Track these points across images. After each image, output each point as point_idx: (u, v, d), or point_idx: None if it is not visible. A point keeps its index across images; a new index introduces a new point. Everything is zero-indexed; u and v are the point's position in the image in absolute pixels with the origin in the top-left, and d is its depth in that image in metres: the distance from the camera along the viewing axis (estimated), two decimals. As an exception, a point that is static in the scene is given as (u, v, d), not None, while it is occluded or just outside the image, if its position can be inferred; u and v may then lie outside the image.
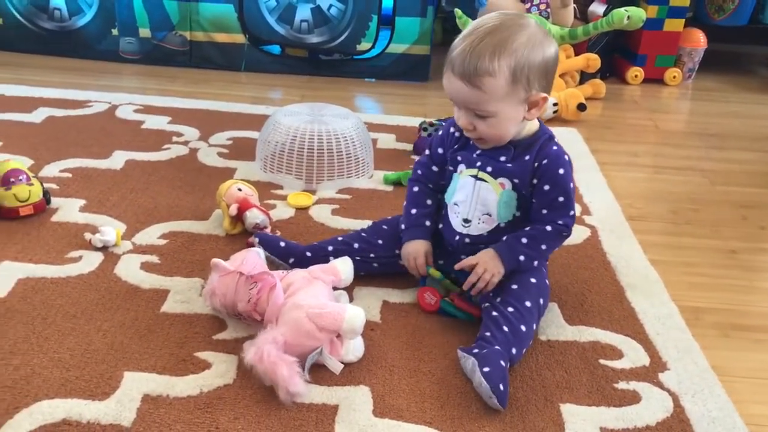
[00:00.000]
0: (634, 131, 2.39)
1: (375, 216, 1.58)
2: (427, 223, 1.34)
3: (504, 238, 1.25)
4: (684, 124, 2.61)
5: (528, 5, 2.53)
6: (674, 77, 2.90)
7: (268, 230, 1.49)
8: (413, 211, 1.35)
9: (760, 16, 3.02)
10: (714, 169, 2.09)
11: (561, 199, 1.23)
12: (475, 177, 1.27)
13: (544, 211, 1.24)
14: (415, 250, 1.31)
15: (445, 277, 1.29)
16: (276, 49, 2.76)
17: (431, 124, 2.02)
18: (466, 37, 1.16)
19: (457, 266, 1.26)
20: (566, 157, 1.25)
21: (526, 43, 1.14)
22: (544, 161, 1.22)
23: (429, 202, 1.36)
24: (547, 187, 1.23)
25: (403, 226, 1.35)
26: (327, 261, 1.32)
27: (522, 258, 1.23)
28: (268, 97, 2.50)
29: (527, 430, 1.03)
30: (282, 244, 1.39)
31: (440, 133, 1.37)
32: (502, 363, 1.09)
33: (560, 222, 1.24)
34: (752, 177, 2.05)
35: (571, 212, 1.25)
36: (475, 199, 1.27)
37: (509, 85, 1.15)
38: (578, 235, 1.59)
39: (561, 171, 1.23)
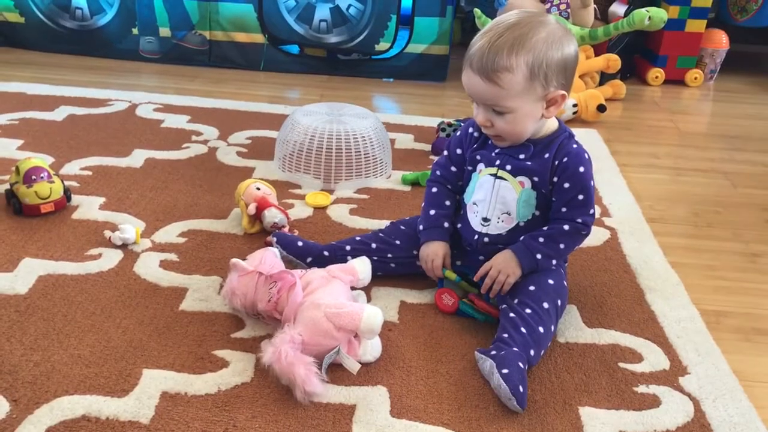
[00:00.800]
0: (655, 132, 2.37)
1: (393, 216, 1.58)
2: (446, 224, 1.34)
3: (521, 238, 1.25)
4: (705, 125, 2.58)
5: (548, 5, 2.52)
6: (695, 78, 2.87)
7: (286, 229, 1.49)
8: (432, 212, 1.35)
9: (784, 16, 2.98)
10: (736, 171, 2.06)
11: (581, 197, 1.23)
12: (495, 176, 1.26)
13: (564, 210, 1.24)
14: (434, 252, 1.31)
15: (461, 279, 1.29)
16: (295, 48, 2.77)
17: (449, 125, 2.02)
18: (485, 33, 1.16)
19: (476, 277, 1.26)
20: (586, 156, 1.24)
21: (545, 40, 1.14)
22: (564, 159, 1.22)
23: (448, 203, 1.35)
24: (567, 185, 1.22)
25: (421, 227, 1.35)
26: (345, 261, 1.32)
27: (539, 257, 1.22)
28: (286, 96, 2.51)
29: (545, 432, 1.03)
30: (300, 243, 1.39)
31: (458, 133, 1.37)
32: (521, 365, 1.08)
33: (579, 220, 1.23)
34: (775, 179, 2.03)
35: (591, 211, 1.24)
36: (495, 198, 1.27)
37: (527, 81, 1.15)
38: (598, 236, 1.58)
39: (581, 169, 1.22)
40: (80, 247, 1.43)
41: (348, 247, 1.37)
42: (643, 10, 2.36)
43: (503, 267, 1.23)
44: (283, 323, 1.13)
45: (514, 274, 1.22)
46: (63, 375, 1.08)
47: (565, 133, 1.26)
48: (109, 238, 1.43)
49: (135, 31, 2.72)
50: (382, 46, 2.68)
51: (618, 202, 1.76)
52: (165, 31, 2.71)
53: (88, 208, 1.58)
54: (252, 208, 1.49)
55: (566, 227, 1.23)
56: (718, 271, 1.52)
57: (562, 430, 1.03)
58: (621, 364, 1.18)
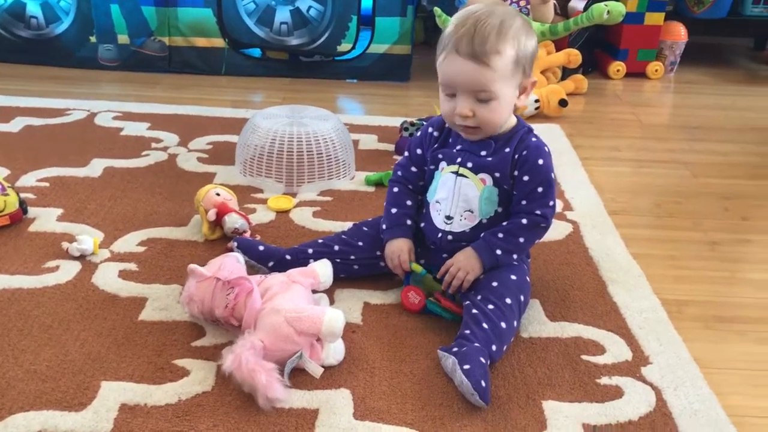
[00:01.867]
0: (617, 126, 2.39)
1: (357, 218, 1.57)
2: (408, 221, 1.34)
3: (482, 235, 1.25)
4: (667, 117, 2.61)
5: (508, 2, 2.53)
6: (656, 71, 2.91)
7: (247, 234, 1.48)
8: (393, 210, 1.35)
9: (740, 8, 3.03)
10: (696, 161, 2.09)
11: (540, 189, 1.23)
12: (456, 173, 1.26)
13: (524, 202, 1.24)
14: (398, 248, 1.31)
15: (427, 272, 1.28)
16: (256, 52, 2.75)
17: (412, 124, 2.02)
18: (463, 21, 1.17)
19: (439, 274, 1.26)
20: (546, 149, 1.25)
21: (521, 29, 1.18)
22: (524, 152, 1.23)
23: (409, 202, 1.35)
24: (526, 178, 1.23)
25: (384, 226, 1.35)
26: (307, 264, 1.31)
27: (499, 252, 1.23)
28: (249, 100, 2.49)
29: (509, 428, 1.02)
30: (261, 247, 1.37)
31: (419, 134, 1.37)
32: (482, 360, 1.08)
33: (538, 212, 1.24)
34: (734, 168, 2.05)
35: (551, 203, 1.25)
36: (457, 196, 1.27)
37: (513, 66, 1.18)
38: (560, 230, 1.59)
39: (540, 161, 1.23)
40: (37, 260, 1.40)
41: (310, 250, 1.36)
42: (602, 4, 2.38)
43: (463, 264, 1.23)
44: (244, 330, 1.12)
45: (473, 271, 1.22)
46: (18, 391, 1.05)
47: (525, 128, 1.27)
48: (67, 249, 1.41)
49: (93, 39, 2.68)
50: (344, 47, 2.68)
51: (580, 196, 1.77)
52: (123, 39, 2.67)
53: (46, 220, 1.55)
54: (212, 214, 1.47)
55: (524, 221, 1.24)
56: (680, 261, 1.53)
57: (525, 424, 1.03)
58: (584, 357, 1.18)
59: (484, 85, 1.17)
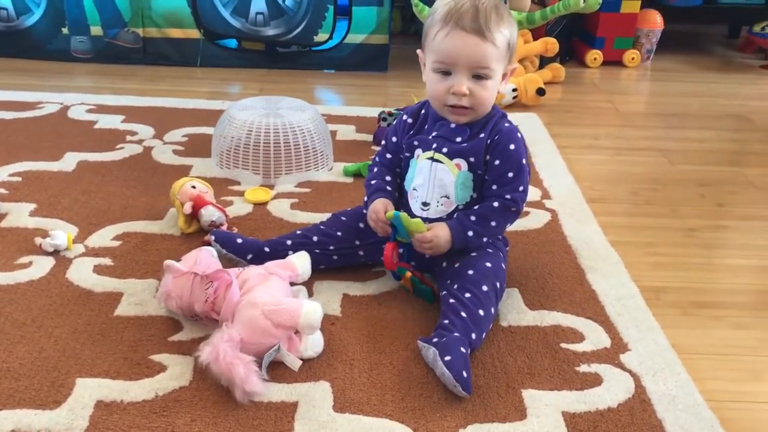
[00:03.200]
0: (594, 114, 2.40)
1: (335, 209, 1.55)
2: (388, 188, 1.33)
3: (455, 215, 1.25)
4: (644, 105, 2.63)
5: (484, -9, 2.52)
6: (633, 59, 2.92)
7: (224, 227, 1.47)
8: (373, 182, 1.35)
9: (715, -5, 3.06)
10: (673, 148, 2.10)
11: (510, 174, 1.24)
12: (432, 159, 1.27)
13: (494, 187, 1.25)
14: (374, 208, 1.29)
15: (400, 212, 1.24)
16: (232, 43, 2.72)
17: (390, 114, 2.01)
18: (460, 2, 1.19)
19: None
20: (518, 134, 1.26)
21: (510, 15, 1.23)
22: (496, 137, 1.24)
23: (389, 178, 1.35)
24: (497, 162, 1.24)
25: (365, 199, 1.34)
26: (286, 256, 1.29)
27: (470, 234, 1.23)
28: (225, 92, 2.47)
29: (489, 417, 1.02)
30: (239, 240, 1.36)
31: (393, 122, 1.36)
32: (463, 350, 1.08)
33: (507, 197, 1.24)
34: (710, 155, 2.07)
35: (521, 188, 1.25)
36: (433, 182, 1.27)
37: (506, 48, 1.21)
38: (538, 219, 1.59)
39: (512, 146, 1.24)
40: (9, 256, 1.37)
41: (289, 242, 1.35)
42: (578, -8, 2.39)
43: (439, 233, 1.22)
44: (221, 323, 1.11)
45: (443, 245, 1.23)
46: (-10, 390, 1.03)
47: (498, 113, 1.28)
48: (40, 245, 1.38)
49: (65, 30, 2.64)
50: (321, 37, 2.66)
51: (558, 184, 1.77)
52: (96, 30, 2.63)
53: (18, 215, 1.52)
54: (188, 207, 1.45)
55: (495, 204, 1.24)
56: (657, 248, 1.54)
57: (505, 413, 1.03)
58: (563, 345, 1.18)
59: (485, 61, 1.19)
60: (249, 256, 1.34)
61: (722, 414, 1.05)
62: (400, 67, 2.72)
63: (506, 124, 1.26)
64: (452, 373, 1.04)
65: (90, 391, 1.04)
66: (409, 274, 1.25)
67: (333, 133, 1.96)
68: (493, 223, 1.25)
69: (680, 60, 3.05)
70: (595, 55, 2.89)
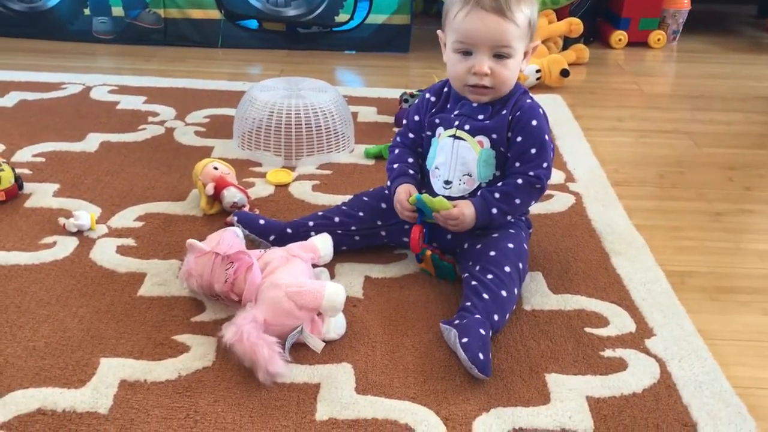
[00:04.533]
0: (619, 96, 2.36)
1: (356, 191, 1.54)
2: (411, 171, 1.33)
3: (479, 192, 1.24)
4: (669, 86, 2.58)
5: (508, -30, 2.49)
6: (658, 40, 2.87)
7: (246, 209, 1.46)
8: (395, 165, 1.34)
9: (744, -26, 2.99)
10: (700, 131, 2.07)
11: (533, 150, 1.23)
12: (454, 136, 1.26)
13: (517, 164, 1.24)
14: (399, 195, 1.28)
15: (421, 194, 1.24)
16: (253, 23, 2.71)
17: (412, 95, 1.99)
18: None
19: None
20: (540, 110, 1.25)
21: None
22: (518, 113, 1.23)
23: (410, 160, 1.35)
24: (519, 139, 1.23)
25: (388, 183, 1.33)
26: (308, 237, 1.29)
27: (495, 211, 1.22)
28: (246, 72, 2.46)
29: (512, 401, 1.02)
30: (261, 221, 1.36)
31: (416, 101, 1.35)
32: (482, 331, 1.07)
33: (531, 174, 1.23)
34: (738, 138, 2.03)
35: (545, 164, 1.24)
36: (455, 160, 1.26)
37: (527, 26, 1.20)
38: (562, 202, 1.57)
39: (534, 122, 1.23)
40: (34, 236, 1.38)
41: (311, 223, 1.35)
42: (604, -28, 2.35)
43: (465, 210, 1.21)
44: (244, 304, 1.11)
45: (470, 222, 1.22)
46: (17, 368, 1.04)
47: (520, 90, 1.27)
48: (64, 225, 1.39)
49: (87, 11, 2.64)
50: (342, 17, 2.63)
51: (582, 167, 1.75)
52: (118, 11, 2.63)
53: (42, 195, 1.53)
54: (210, 189, 1.45)
55: (519, 181, 1.23)
56: (683, 232, 1.52)
57: (529, 397, 1.02)
58: (587, 329, 1.17)
59: (507, 40, 1.18)
60: (272, 238, 1.34)
61: (749, 400, 1.03)
62: (422, 48, 2.69)
63: (528, 101, 1.25)
64: (468, 355, 1.03)
65: (114, 370, 1.05)
66: (429, 252, 1.25)
67: (354, 115, 1.95)
68: (518, 201, 1.24)
69: (707, 41, 2.99)
70: (620, 36, 2.84)
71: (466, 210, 1.22)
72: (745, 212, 1.62)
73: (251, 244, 1.31)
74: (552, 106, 2.13)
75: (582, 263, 1.35)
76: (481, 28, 1.17)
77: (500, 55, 1.19)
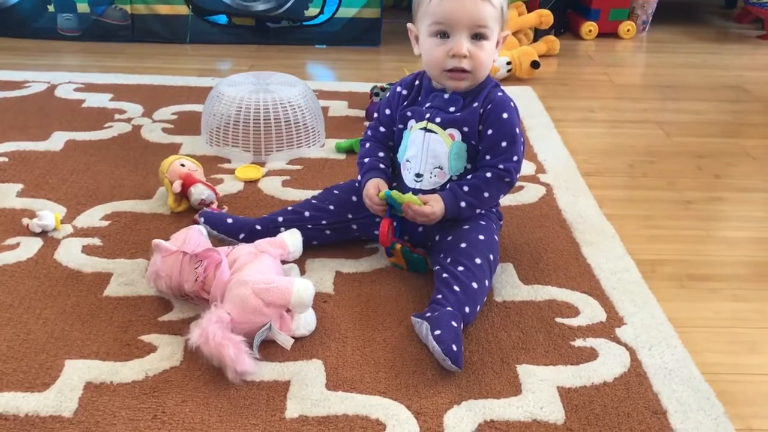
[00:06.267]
0: (590, 86, 2.37)
1: (327, 185, 1.52)
2: (381, 165, 1.32)
3: (448, 185, 1.24)
4: (639, 77, 2.60)
5: (477, -38, 2.48)
6: (628, 30, 2.88)
7: (214, 206, 1.44)
8: (366, 160, 1.33)
9: (711, -36, 3.02)
10: (670, 120, 2.08)
11: (504, 144, 1.22)
12: (425, 129, 1.25)
13: (488, 157, 1.24)
14: (367, 190, 1.27)
15: (391, 190, 1.24)
16: (222, 18, 2.68)
17: (383, 89, 1.98)
18: None
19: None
20: (512, 104, 1.25)
21: None
22: (489, 106, 1.23)
23: (381, 154, 1.34)
24: (490, 132, 1.23)
25: (359, 177, 1.32)
26: (278, 233, 1.28)
27: (463, 204, 1.22)
28: (215, 68, 2.43)
29: (483, 392, 1.01)
30: (229, 220, 1.34)
31: (387, 94, 1.34)
32: (454, 324, 1.06)
33: (501, 167, 1.23)
34: (707, 127, 2.05)
35: (515, 158, 1.24)
36: (426, 152, 1.25)
37: (500, 11, 1.20)
38: (533, 193, 1.57)
39: (505, 115, 1.22)
40: (-4, 238, 1.35)
41: (280, 219, 1.33)
42: (572, -37, 2.35)
43: (435, 208, 1.21)
44: (211, 303, 1.09)
45: (440, 217, 1.21)
46: (-22, 373, 1.02)
47: (492, 83, 1.27)
48: (27, 225, 1.36)
49: (51, 8, 2.59)
50: (312, 11, 2.62)
51: (553, 158, 1.75)
52: (83, 7, 2.59)
53: (5, 195, 1.50)
54: (177, 186, 1.43)
55: (488, 174, 1.23)
56: (653, 221, 1.53)
57: (500, 389, 1.02)
58: (558, 320, 1.17)
59: (484, 19, 1.18)
60: (241, 236, 1.32)
61: (719, 387, 1.04)
62: (393, 42, 2.68)
63: (499, 94, 1.24)
64: (441, 347, 1.02)
65: (79, 372, 1.02)
66: (399, 246, 1.24)
67: (325, 110, 1.93)
68: (486, 194, 1.23)
69: (676, 31, 3.02)
70: (590, 27, 2.85)
71: (436, 207, 1.21)
72: (714, 200, 1.63)
73: (220, 242, 1.29)
74: (523, 97, 2.13)
75: (553, 254, 1.35)
76: (459, 7, 1.17)
77: (478, 35, 1.19)
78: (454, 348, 1.02)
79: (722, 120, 2.11)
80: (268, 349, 1.07)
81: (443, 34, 1.20)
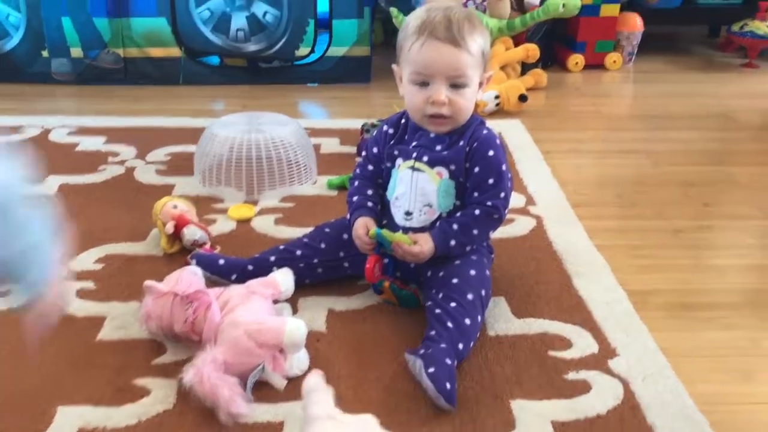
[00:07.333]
0: (577, 118, 2.40)
1: (319, 222, 1.54)
2: (370, 204, 1.33)
3: (438, 223, 1.25)
4: (626, 107, 2.63)
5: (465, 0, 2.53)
6: (614, 62, 2.93)
7: (207, 246, 1.45)
8: (355, 198, 1.34)
9: (693, -4, 3.08)
10: (657, 149, 2.10)
11: (491, 180, 1.24)
12: (413, 168, 1.26)
13: (476, 194, 1.25)
14: (356, 229, 1.28)
15: (381, 228, 1.25)
16: (214, 60, 2.71)
17: (373, 125, 2.00)
18: (432, 13, 1.20)
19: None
20: (497, 141, 1.27)
21: (483, 24, 1.24)
22: (475, 144, 1.24)
23: (370, 192, 1.35)
24: (477, 169, 1.24)
25: (348, 216, 1.33)
26: (270, 272, 1.28)
27: (453, 243, 1.23)
28: (208, 109, 2.46)
29: (477, 430, 1.01)
30: (221, 261, 1.35)
31: (374, 133, 1.36)
32: (448, 361, 1.07)
33: (489, 203, 1.24)
34: (694, 155, 2.07)
35: (502, 194, 1.25)
36: (415, 191, 1.27)
37: (481, 56, 1.22)
38: (524, 225, 1.58)
39: (491, 152, 1.24)
40: (-10, 284, 1.35)
41: (272, 258, 1.34)
42: (557, -2, 2.40)
43: (425, 248, 1.22)
44: (204, 344, 1.09)
45: (429, 256, 1.23)
46: (-30, 422, 1.02)
47: (477, 120, 1.28)
48: (21, 271, 1.36)
49: (45, 53, 2.62)
50: (303, 51, 2.65)
51: (543, 190, 1.76)
52: (77, 52, 2.62)
53: (-2, 241, 1.50)
54: (170, 227, 1.44)
55: (477, 212, 1.24)
56: (644, 250, 1.54)
57: (494, 425, 1.02)
58: (551, 352, 1.17)
59: (462, 69, 1.19)
60: (233, 276, 1.32)
61: (713, 417, 1.04)
62: (383, 78, 2.71)
63: (485, 131, 1.26)
64: (435, 385, 1.03)
65: (71, 419, 1.02)
66: (387, 283, 1.25)
67: (317, 147, 1.95)
68: (476, 231, 1.24)
69: (662, 61, 3.06)
70: (576, 60, 2.90)
71: (425, 246, 1.22)
72: (703, 228, 1.64)
73: (212, 283, 1.30)
74: (512, 130, 2.15)
75: (544, 286, 1.36)
76: (436, 58, 1.19)
77: (456, 84, 1.21)
78: (448, 386, 1.03)
79: (709, 148, 2.13)
80: (262, 390, 1.07)
81: (423, 83, 1.22)
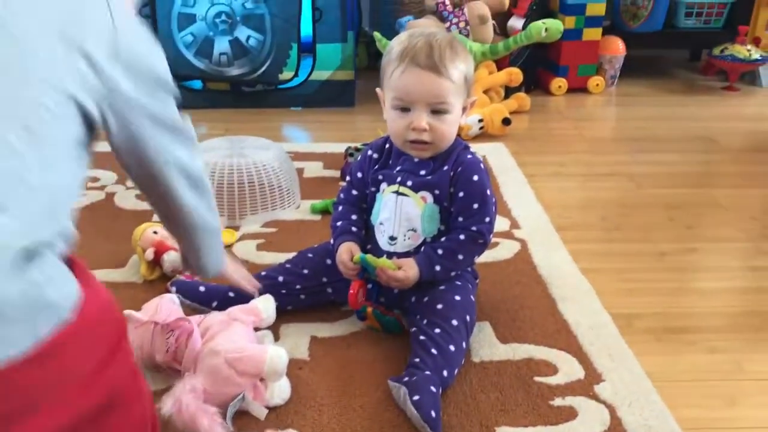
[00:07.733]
0: (561, 141, 2.41)
1: (302, 247, 1.52)
2: (354, 229, 1.31)
3: (422, 248, 1.24)
4: (609, 130, 2.65)
5: (447, 24, 2.54)
6: (597, 85, 2.95)
7: (188, 272, 1.43)
8: (339, 223, 1.33)
9: (674, 20, 3.12)
10: (641, 172, 2.11)
11: (475, 205, 1.23)
12: (397, 192, 1.25)
13: (460, 219, 1.24)
14: (339, 255, 1.27)
15: (365, 255, 1.24)
16: (197, 84, 2.71)
17: (357, 149, 1.99)
18: (414, 40, 1.19)
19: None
20: (481, 165, 1.26)
21: (466, 50, 1.24)
22: (459, 169, 1.24)
23: (354, 217, 1.33)
24: (461, 194, 1.23)
25: (332, 241, 1.32)
26: (252, 299, 1.26)
27: (438, 268, 1.22)
28: (191, 133, 2.44)
29: (463, 459, 0.99)
30: (202, 288, 1.32)
31: (358, 158, 1.35)
32: (433, 389, 1.05)
33: (474, 228, 1.23)
34: (677, 178, 2.08)
35: (487, 219, 1.24)
36: (399, 215, 1.26)
37: (463, 82, 1.21)
38: (508, 249, 1.58)
39: (475, 178, 1.23)
40: (-36, 313, 1.32)
41: (254, 285, 1.32)
42: (540, 22, 2.42)
43: (410, 273, 1.21)
44: (183, 373, 1.07)
45: (414, 281, 1.22)
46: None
47: (461, 145, 1.28)
48: (-4, 299, 1.33)
49: (26, 77, 2.60)
50: (286, 75, 2.65)
51: (527, 214, 1.76)
52: (59, 76, 2.60)
53: (-26, 268, 1.48)
54: (150, 254, 1.42)
55: (462, 237, 1.23)
56: (628, 274, 1.53)
57: (479, 454, 1.00)
58: (536, 378, 1.16)
59: (443, 96, 1.18)
60: (214, 304, 1.30)
61: (699, 442, 1.03)
62: (367, 102, 2.71)
63: (469, 156, 1.25)
64: (420, 413, 1.01)
65: (46, 452, 0.99)
66: (370, 309, 1.23)
67: (300, 171, 1.95)
68: (461, 257, 1.23)
69: (644, 84, 3.09)
70: (559, 83, 2.92)
71: (410, 272, 1.21)
72: (688, 251, 1.65)
73: (192, 311, 1.28)
74: (495, 154, 2.16)
75: (529, 310, 1.35)
76: (417, 84, 1.19)
77: (438, 110, 1.20)
78: (433, 414, 1.01)
79: (692, 171, 2.15)
80: (242, 420, 1.05)
81: (404, 108, 1.21)
